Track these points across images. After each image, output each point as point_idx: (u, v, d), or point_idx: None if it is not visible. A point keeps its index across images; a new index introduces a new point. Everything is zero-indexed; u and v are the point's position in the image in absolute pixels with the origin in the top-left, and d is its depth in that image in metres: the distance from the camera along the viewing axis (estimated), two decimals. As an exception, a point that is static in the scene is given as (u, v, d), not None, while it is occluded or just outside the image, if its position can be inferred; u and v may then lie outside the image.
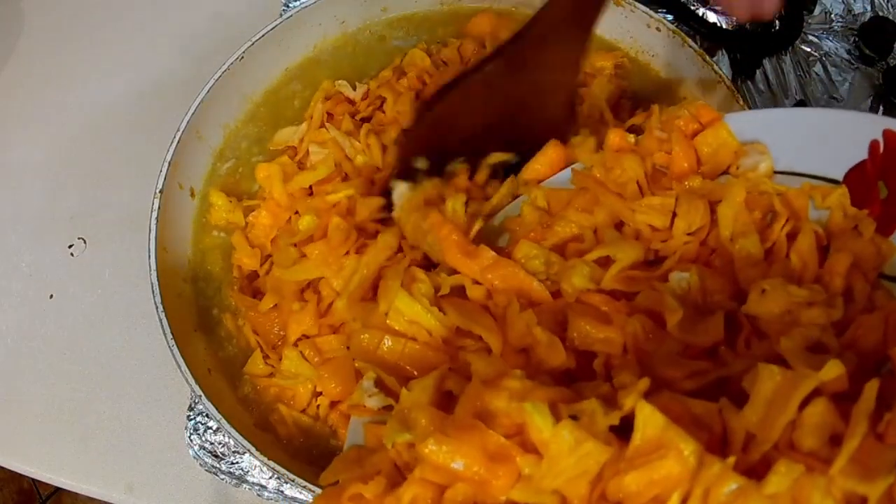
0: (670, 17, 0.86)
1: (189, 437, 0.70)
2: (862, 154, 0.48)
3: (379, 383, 0.47)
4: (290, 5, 0.91)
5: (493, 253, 0.52)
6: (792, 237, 0.48)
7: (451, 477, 0.39)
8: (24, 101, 0.93)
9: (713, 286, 0.47)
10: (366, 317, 0.49)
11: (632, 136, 0.55)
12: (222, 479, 0.69)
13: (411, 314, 0.49)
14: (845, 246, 0.46)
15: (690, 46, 0.73)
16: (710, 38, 0.87)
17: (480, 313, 0.50)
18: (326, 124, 0.73)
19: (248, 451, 0.59)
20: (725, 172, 0.53)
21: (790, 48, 0.88)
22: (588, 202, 0.53)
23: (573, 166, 0.56)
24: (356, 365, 0.48)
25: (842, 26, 0.90)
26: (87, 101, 0.92)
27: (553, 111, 0.64)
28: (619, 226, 0.53)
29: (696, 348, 0.45)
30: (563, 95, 0.64)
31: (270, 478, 0.69)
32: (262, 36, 0.76)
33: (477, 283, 0.51)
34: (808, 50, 0.89)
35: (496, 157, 0.64)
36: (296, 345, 0.65)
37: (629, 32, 0.79)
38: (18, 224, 0.85)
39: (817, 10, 0.91)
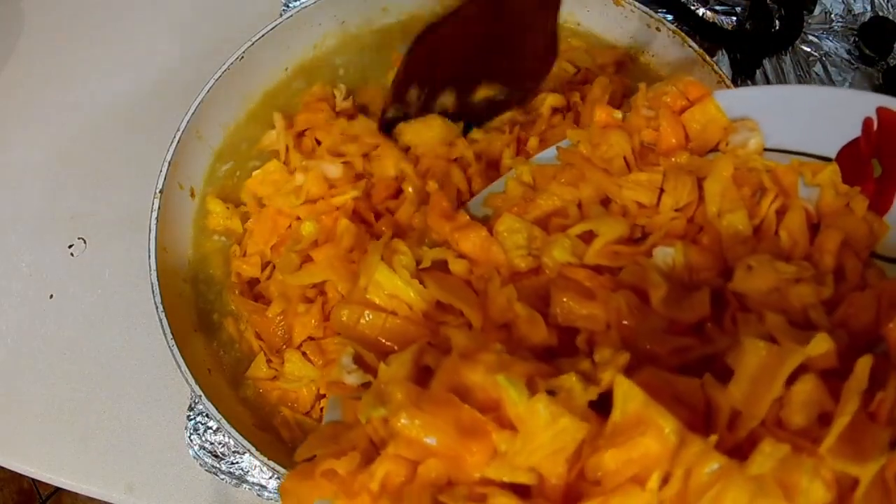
0: (670, 17, 0.86)
1: (189, 437, 0.70)
2: (855, 131, 0.47)
3: (358, 359, 0.46)
4: (290, 5, 0.91)
5: (469, 218, 0.52)
6: (781, 214, 0.47)
7: (424, 452, 0.37)
8: (24, 101, 0.93)
9: (700, 262, 0.46)
10: (348, 292, 0.48)
11: (619, 112, 0.54)
12: (222, 479, 0.69)
13: (391, 287, 0.48)
14: (836, 223, 0.45)
15: (690, 46, 0.72)
16: (710, 38, 0.86)
17: (461, 287, 0.49)
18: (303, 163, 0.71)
19: (248, 451, 0.59)
20: (715, 149, 0.52)
21: (790, 48, 0.87)
22: (574, 177, 0.52)
23: (559, 143, 0.56)
24: (335, 341, 0.47)
25: (842, 26, 0.89)
26: (87, 101, 0.92)
27: (534, 47, 0.66)
28: (605, 203, 0.52)
29: (681, 325, 0.43)
30: (543, 32, 0.65)
31: (270, 478, 0.68)
32: (262, 36, 0.76)
33: (461, 256, 0.51)
34: (808, 50, 0.88)
35: (483, 93, 0.67)
36: (300, 347, 0.64)
37: (629, 32, 0.79)
38: (18, 224, 0.85)
39: (817, 10, 0.90)
